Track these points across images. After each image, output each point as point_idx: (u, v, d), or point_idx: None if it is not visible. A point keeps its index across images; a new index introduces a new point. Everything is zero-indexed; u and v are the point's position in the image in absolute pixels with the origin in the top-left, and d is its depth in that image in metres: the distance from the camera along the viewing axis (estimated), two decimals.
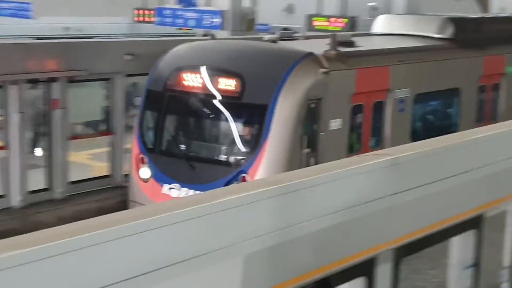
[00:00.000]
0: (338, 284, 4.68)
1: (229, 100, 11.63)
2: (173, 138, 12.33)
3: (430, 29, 16.34)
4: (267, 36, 13.93)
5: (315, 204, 4.45)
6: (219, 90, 11.69)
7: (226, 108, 11.68)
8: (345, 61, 12.54)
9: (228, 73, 11.70)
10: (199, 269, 3.73)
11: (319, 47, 12.55)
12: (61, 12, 28.25)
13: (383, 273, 4.90)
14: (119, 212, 3.69)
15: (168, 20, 22.67)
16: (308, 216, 4.39)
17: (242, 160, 11.38)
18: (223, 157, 11.63)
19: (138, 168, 12.21)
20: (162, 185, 11.82)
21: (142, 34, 26.11)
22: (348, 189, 4.69)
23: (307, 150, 11.63)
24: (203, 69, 11.90)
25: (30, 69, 13.23)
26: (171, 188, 11.69)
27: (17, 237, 3.23)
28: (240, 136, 11.61)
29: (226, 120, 11.72)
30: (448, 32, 16.14)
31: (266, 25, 28.40)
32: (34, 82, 13.71)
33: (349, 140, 12.52)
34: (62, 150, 13.83)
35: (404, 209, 5.09)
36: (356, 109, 12.74)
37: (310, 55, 12.05)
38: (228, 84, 11.65)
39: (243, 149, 11.51)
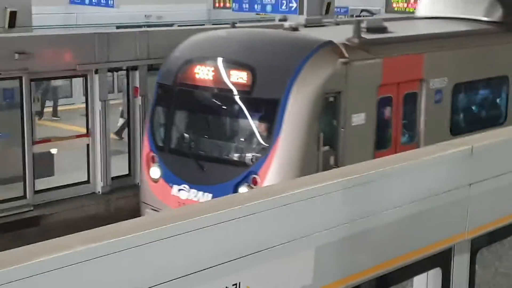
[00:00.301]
0: (413, 275, 4.65)
1: (238, 94, 10.79)
2: (182, 135, 11.57)
3: (476, 11, 14.98)
4: (287, 23, 12.79)
5: (390, 194, 4.42)
6: (228, 84, 10.88)
7: (235, 103, 10.88)
8: (370, 50, 11.49)
9: (238, 65, 10.87)
10: (270, 261, 3.77)
11: (345, 34, 11.58)
12: (142, 0, 28.71)
13: (460, 263, 4.84)
14: (190, 205, 3.76)
15: (245, 5, 22.73)
16: (382, 207, 4.37)
17: (252, 160, 10.53)
18: (232, 157, 10.86)
19: (148, 168, 11.53)
20: (171, 186, 11.08)
21: (220, 20, 26.28)
22: (424, 179, 4.64)
23: (325, 148, 10.68)
24: (212, 61, 11.12)
25: (112, 58, 13.54)
26: (180, 190, 10.95)
27: (84, 232, 3.31)
28: (250, 134, 10.76)
29: (235, 116, 10.96)
30: (497, 15, 14.75)
31: (345, 8, 28.16)
32: (115, 70, 14.05)
33: (376, 136, 11.45)
34: (143, 136, 14.12)
35: (482, 199, 5.00)
36: (384, 102, 11.66)
37: (328, 44, 11.04)
38: (238, 77, 10.80)
39: (253, 148, 10.66)
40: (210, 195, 10.50)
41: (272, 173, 10.29)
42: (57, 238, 3.16)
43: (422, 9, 16.23)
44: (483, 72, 13.56)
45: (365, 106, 11.25)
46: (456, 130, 12.82)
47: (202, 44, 11.73)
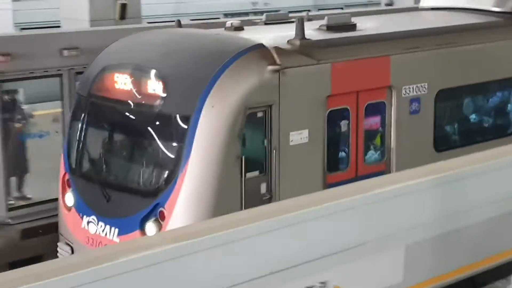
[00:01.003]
0: (508, 274, 4.55)
1: (148, 110, 9.17)
2: (92, 158, 10.04)
3: (485, 0, 12.77)
4: (229, 22, 10.78)
5: (483, 192, 4.34)
6: (139, 98, 9.33)
7: (144, 120, 9.26)
8: (313, 54, 9.60)
9: (150, 75, 9.26)
10: (359, 259, 3.80)
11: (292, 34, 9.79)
12: None
13: None
14: (280, 202, 3.84)
15: None
16: (475, 205, 4.30)
17: (159, 190, 8.92)
18: (139, 186, 9.28)
19: (64, 193, 9.99)
20: (82, 217, 9.58)
21: (326, 5, 26.12)
22: None
23: (252, 174, 9.04)
24: (125, 69, 9.55)
25: None
26: (89, 222, 9.45)
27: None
28: (158, 159, 9.16)
29: (144, 136, 9.28)
30: (510, 4, 12.61)
31: None
32: None
33: (326, 156, 9.72)
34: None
35: None
36: (336, 115, 9.89)
37: (255, 48, 9.24)
38: (150, 89, 9.21)
39: (160, 175, 9.00)
40: (117, 230, 9.17)
41: (179, 206, 8.76)
42: (139, 238, 3.30)
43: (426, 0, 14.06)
44: (480, 74, 11.46)
45: (308, 121, 9.52)
46: (443, 145, 11.06)
47: (122, 49, 10.18)
